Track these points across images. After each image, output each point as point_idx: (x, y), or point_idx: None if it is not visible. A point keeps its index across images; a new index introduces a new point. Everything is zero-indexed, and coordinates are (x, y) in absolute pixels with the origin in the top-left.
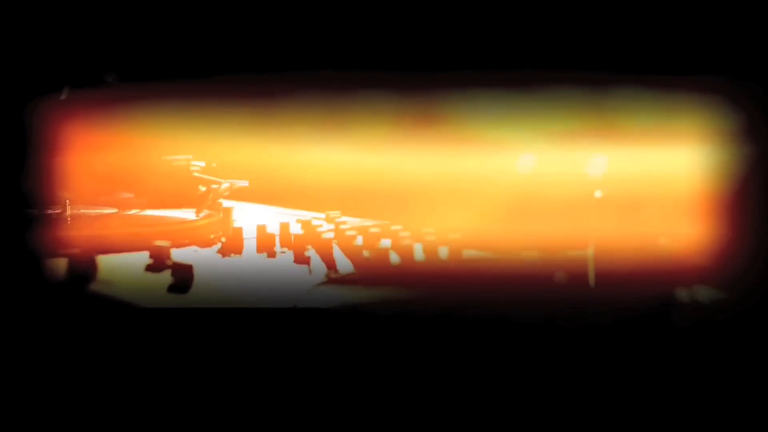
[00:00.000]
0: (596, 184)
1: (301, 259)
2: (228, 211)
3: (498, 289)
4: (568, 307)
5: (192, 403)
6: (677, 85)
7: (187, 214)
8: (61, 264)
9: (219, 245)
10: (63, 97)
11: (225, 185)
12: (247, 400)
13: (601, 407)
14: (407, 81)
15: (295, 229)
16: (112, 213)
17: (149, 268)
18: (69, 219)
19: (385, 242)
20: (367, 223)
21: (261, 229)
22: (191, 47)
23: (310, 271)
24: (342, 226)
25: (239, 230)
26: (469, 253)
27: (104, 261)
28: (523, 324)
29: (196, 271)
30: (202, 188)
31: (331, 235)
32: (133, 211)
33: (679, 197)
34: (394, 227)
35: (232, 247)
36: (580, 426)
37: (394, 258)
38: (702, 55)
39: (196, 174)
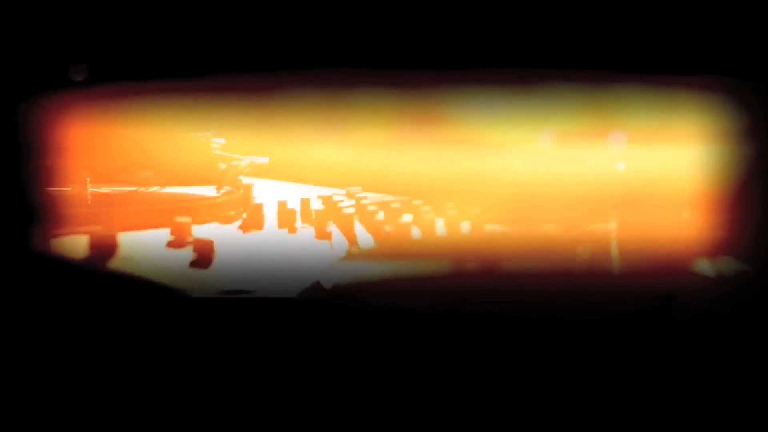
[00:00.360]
0: (617, 157)
1: (323, 235)
2: (248, 188)
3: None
4: (571, 299)
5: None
6: (677, 84)
7: (208, 191)
8: (82, 241)
9: (240, 221)
10: (80, 75)
11: (245, 162)
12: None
13: (603, 398)
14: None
15: (316, 205)
16: (133, 191)
17: (171, 244)
18: (89, 197)
19: (407, 217)
20: (388, 198)
21: (282, 205)
22: (205, 38)
23: (331, 246)
24: (363, 202)
25: (260, 206)
26: (490, 227)
27: (126, 238)
28: (532, 316)
29: (216, 247)
30: (223, 166)
31: (352, 210)
32: (154, 189)
33: (679, 195)
34: (415, 202)
35: (253, 223)
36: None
37: (416, 233)
38: (702, 55)
39: (216, 151)
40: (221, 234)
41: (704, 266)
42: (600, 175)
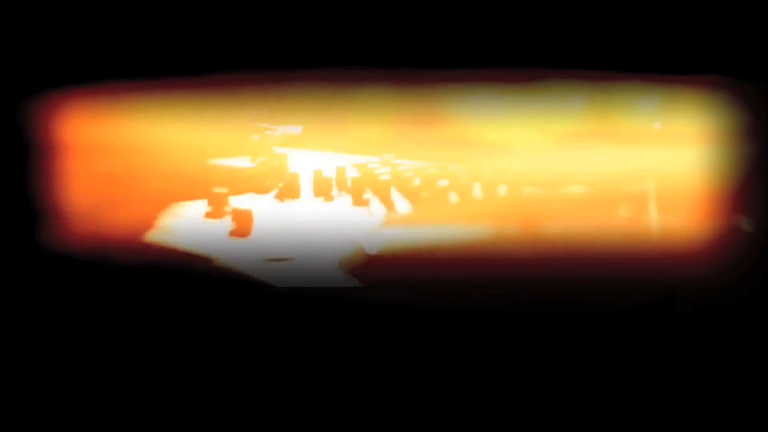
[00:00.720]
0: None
1: (360, 202)
2: (283, 158)
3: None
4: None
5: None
6: (677, 83)
7: (243, 162)
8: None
9: (276, 191)
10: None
11: (278, 132)
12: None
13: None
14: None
15: (352, 173)
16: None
17: (209, 215)
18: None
19: (443, 182)
20: (424, 164)
21: (317, 173)
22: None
23: (369, 213)
24: (399, 168)
25: (295, 175)
26: (528, 190)
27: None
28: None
29: (255, 216)
30: (256, 137)
31: (387, 177)
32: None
33: (679, 195)
34: (451, 167)
35: (289, 192)
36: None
37: (453, 198)
38: (702, 55)
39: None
40: (258, 204)
41: (743, 222)
42: (603, 175)
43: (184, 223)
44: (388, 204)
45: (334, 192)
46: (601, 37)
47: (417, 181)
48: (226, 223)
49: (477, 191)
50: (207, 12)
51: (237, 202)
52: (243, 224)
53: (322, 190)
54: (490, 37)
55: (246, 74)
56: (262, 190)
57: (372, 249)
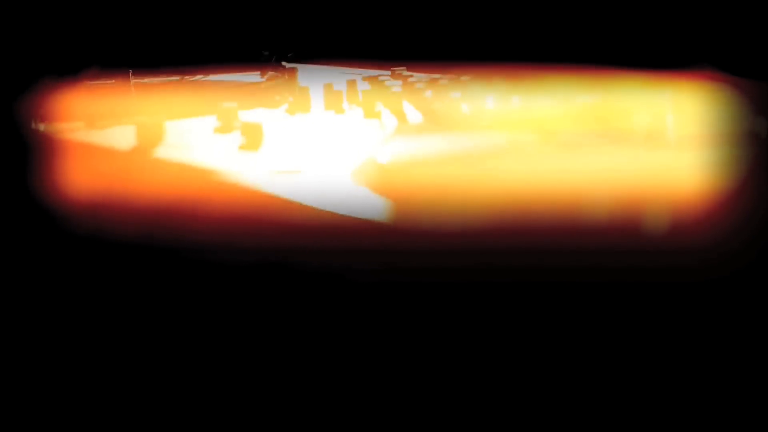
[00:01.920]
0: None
1: (371, 115)
2: (293, 72)
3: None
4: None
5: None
6: (676, 80)
7: (253, 77)
8: (128, 132)
9: (286, 105)
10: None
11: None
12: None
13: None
14: None
15: (363, 86)
16: (176, 80)
17: (219, 129)
18: (133, 88)
19: (455, 94)
20: (435, 76)
21: (327, 87)
22: None
23: (381, 125)
24: (410, 80)
25: (306, 90)
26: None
27: (173, 126)
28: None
29: (264, 130)
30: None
31: (398, 89)
32: (198, 77)
33: (678, 195)
34: (463, 78)
35: (300, 106)
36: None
37: (465, 108)
38: (701, 52)
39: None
40: (269, 117)
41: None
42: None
43: (195, 138)
44: (400, 116)
45: (345, 105)
46: (601, 33)
47: (429, 93)
48: (236, 137)
49: (490, 102)
50: None
51: (247, 116)
52: (253, 138)
53: (333, 103)
54: (488, 34)
55: None
56: (272, 104)
57: (383, 160)
